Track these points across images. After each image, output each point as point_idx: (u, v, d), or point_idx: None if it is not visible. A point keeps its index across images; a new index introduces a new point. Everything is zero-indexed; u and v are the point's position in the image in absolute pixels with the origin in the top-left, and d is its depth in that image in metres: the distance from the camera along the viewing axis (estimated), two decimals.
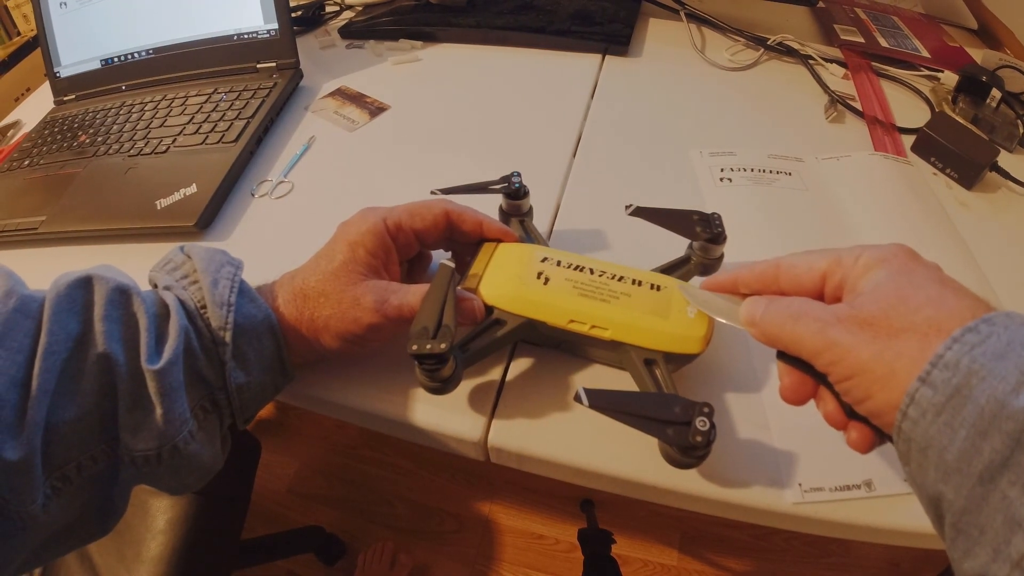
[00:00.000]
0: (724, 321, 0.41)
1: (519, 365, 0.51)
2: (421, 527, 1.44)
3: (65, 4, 0.85)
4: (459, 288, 0.47)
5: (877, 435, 0.35)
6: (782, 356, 0.38)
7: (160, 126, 0.76)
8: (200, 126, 0.74)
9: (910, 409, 0.29)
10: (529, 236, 0.55)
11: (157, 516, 0.83)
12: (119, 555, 0.81)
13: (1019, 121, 0.73)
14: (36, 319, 0.37)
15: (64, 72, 0.87)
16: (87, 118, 0.81)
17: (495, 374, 0.51)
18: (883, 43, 0.88)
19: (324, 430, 1.61)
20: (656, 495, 0.46)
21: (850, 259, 0.36)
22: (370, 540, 1.41)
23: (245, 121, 0.73)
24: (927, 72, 0.83)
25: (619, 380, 0.49)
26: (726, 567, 1.35)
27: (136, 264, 0.46)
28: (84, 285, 0.39)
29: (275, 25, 0.82)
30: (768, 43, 0.87)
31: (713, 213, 0.50)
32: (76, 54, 0.87)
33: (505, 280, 0.48)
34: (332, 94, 0.83)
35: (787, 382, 0.38)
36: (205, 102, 0.77)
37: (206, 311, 0.41)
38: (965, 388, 0.27)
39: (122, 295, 0.39)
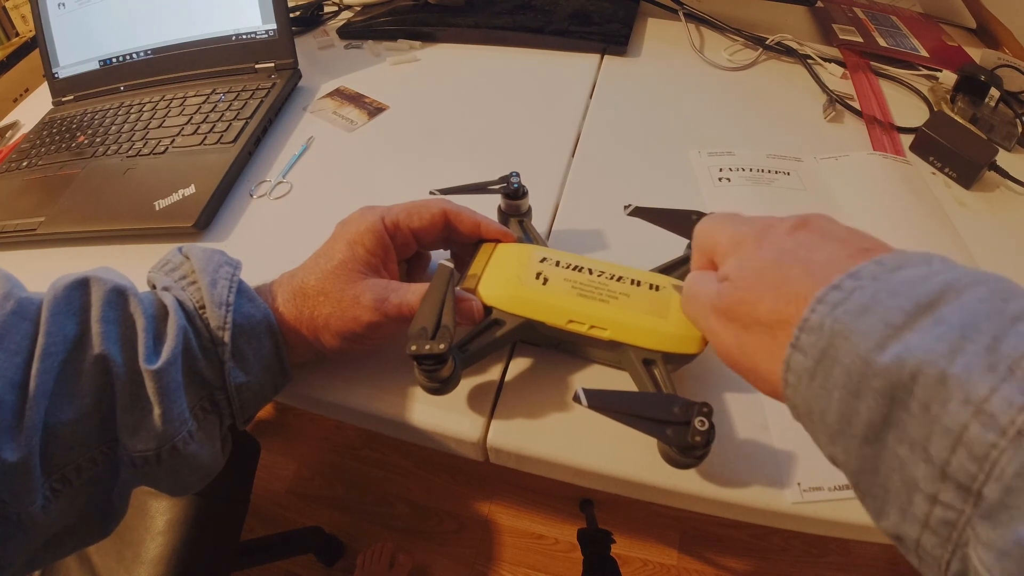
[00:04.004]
0: None
1: (518, 365, 0.51)
2: (420, 527, 1.44)
3: (63, 5, 0.85)
4: (458, 288, 0.47)
5: None
6: None
7: (159, 127, 0.76)
8: (199, 127, 0.74)
9: (788, 375, 0.29)
10: (528, 236, 0.55)
11: (156, 517, 0.83)
12: (118, 556, 0.81)
13: (1018, 120, 0.73)
14: (34, 321, 0.37)
15: (62, 73, 0.87)
16: (85, 119, 0.81)
17: (494, 374, 0.51)
18: (882, 43, 0.88)
19: (323, 431, 1.61)
20: (655, 495, 0.46)
21: (710, 249, 0.38)
22: (369, 540, 1.41)
23: (244, 122, 0.73)
24: (926, 71, 0.83)
25: (618, 380, 0.49)
26: (726, 567, 1.35)
27: (135, 265, 0.46)
28: (81, 287, 0.39)
29: (273, 25, 0.82)
30: (767, 43, 0.87)
31: (712, 213, 0.50)
32: (74, 55, 0.87)
33: (504, 280, 0.48)
34: (331, 94, 0.83)
35: None
36: (204, 103, 0.77)
37: (205, 311, 0.41)
38: (831, 350, 0.27)
39: (119, 296, 0.39)
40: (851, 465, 0.27)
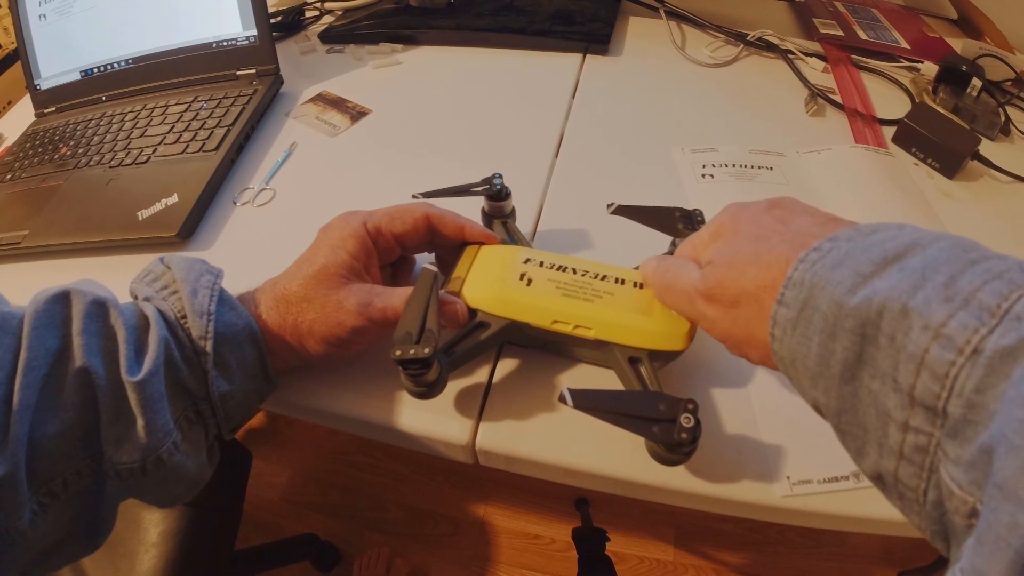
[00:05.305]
0: None
1: (505, 367, 0.51)
2: (416, 531, 1.44)
3: (44, 16, 0.85)
4: (442, 291, 0.47)
5: None
6: None
7: (141, 136, 0.75)
8: (180, 135, 0.73)
9: (775, 330, 0.31)
10: (512, 238, 0.55)
11: (150, 529, 0.83)
12: (113, 568, 0.81)
13: (1000, 109, 0.74)
14: (16, 335, 0.37)
15: (44, 84, 0.87)
16: (68, 130, 0.80)
17: (481, 376, 0.51)
18: (862, 36, 0.88)
19: (316, 437, 1.60)
20: (645, 493, 0.46)
21: (692, 251, 0.41)
22: (365, 546, 1.41)
23: (226, 129, 0.73)
24: (907, 63, 0.83)
25: (605, 379, 0.49)
26: (722, 561, 1.35)
27: (120, 276, 0.46)
28: (62, 300, 0.39)
29: (254, 32, 0.81)
30: (748, 39, 0.87)
31: (695, 210, 0.50)
32: (56, 66, 0.86)
33: (488, 282, 0.48)
34: (313, 99, 0.83)
35: None
36: (185, 111, 0.77)
37: (186, 321, 0.41)
38: (811, 300, 0.29)
39: (100, 308, 0.39)
40: (831, 406, 0.29)
